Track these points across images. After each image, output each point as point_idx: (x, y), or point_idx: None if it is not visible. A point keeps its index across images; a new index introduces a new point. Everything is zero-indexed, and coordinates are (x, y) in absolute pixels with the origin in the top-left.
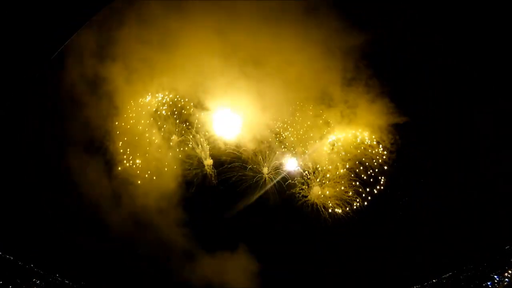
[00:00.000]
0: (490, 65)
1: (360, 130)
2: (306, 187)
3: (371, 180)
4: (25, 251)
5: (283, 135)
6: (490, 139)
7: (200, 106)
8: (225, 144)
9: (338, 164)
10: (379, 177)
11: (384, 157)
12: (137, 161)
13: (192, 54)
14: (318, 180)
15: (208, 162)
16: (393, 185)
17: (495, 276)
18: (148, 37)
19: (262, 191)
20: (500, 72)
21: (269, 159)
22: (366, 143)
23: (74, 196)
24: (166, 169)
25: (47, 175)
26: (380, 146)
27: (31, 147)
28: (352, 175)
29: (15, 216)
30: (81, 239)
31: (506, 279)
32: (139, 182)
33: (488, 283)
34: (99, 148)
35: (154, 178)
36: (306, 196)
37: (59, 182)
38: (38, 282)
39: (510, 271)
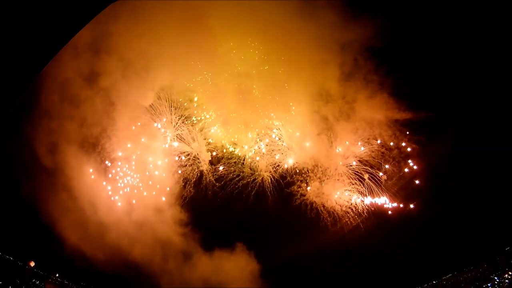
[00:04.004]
0: (489, 63)
1: (358, 126)
2: (305, 185)
3: (371, 178)
4: (25, 251)
5: (282, 131)
6: (490, 139)
7: (197, 101)
8: (222, 140)
9: (337, 161)
10: (379, 176)
11: (384, 154)
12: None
13: (190, 50)
14: (317, 177)
15: (205, 158)
16: (393, 185)
17: (495, 278)
18: (144, 32)
19: (260, 189)
20: (500, 70)
21: (267, 155)
22: (365, 140)
23: (70, 195)
24: (162, 166)
25: (45, 175)
26: (380, 142)
27: (28, 146)
28: (352, 173)
29: (15, 216)
30: (80, 240)
31: (506, 281)
32: (135, 180)
33: (488, 284)
34: (95, 145)
35: (150, 175)
36: (304, 195)
37: (56, 181)
38: (38, 282)
39: (510, 273)
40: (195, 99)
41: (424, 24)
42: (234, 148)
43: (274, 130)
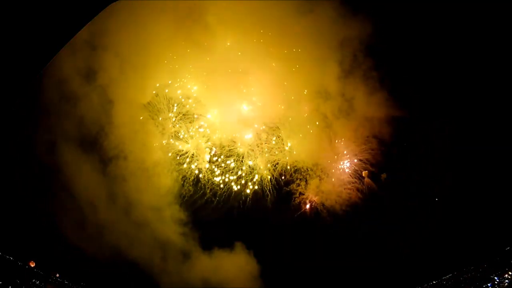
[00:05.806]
0: (489, 61)
1: (357, 124)
2: (304, 183)
3: (370, 177)
4: (25, 251)
5: (281, 129)
6: (490, 139)
7: (195, 98)
8: (221, 138)
9: (336, 159)
10: (379, 174)
11: (383, 152)
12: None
13: (187, 46)
14: (316, 176)
15: (204, 155)
16: (393, 184)
17: (495, 278)
18: (141, 29)
19: (259, 187)
20: (500, 69)
21: (266, 154)
22: (364, 137)
23: (69, 194)
24: (160, 164)
25: (43, 174)
26: (379, 141)
27: (27, 146)
28: (351, 171)
29: (15, 216)
30: (79, 239)
31: (506, 281)
32: (133, 178)
33: (488, 284)
34: (93, 144)
35: (149, 174)
36: (303, 193)
37: (55, 180)
38: (38, 282)
39: (510, 273)
40: (194, 95)
41: (425, 21)
42: (233, 146)
43: (273, 129)
